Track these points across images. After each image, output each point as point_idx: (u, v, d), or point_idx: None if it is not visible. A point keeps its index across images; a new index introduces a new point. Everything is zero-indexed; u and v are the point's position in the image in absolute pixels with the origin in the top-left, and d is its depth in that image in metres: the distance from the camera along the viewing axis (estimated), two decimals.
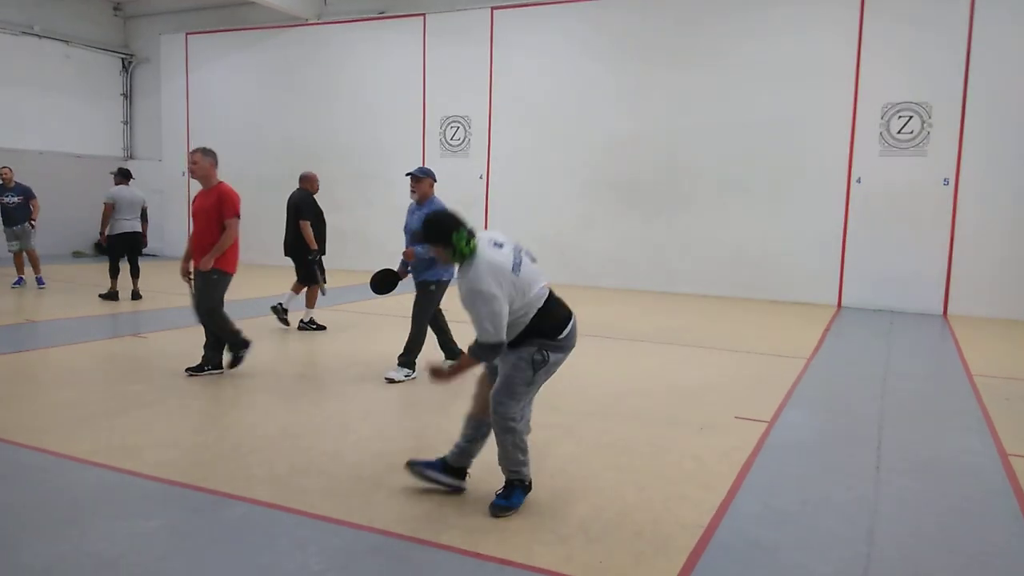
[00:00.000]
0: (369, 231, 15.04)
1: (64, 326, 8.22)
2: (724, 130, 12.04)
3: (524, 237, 14.04)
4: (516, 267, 3.44)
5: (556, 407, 5.33)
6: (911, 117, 10.95)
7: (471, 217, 12.80)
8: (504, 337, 3.39)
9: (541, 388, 3.69)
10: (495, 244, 3.48)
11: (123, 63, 18.10)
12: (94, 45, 17.36)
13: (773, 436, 4.80)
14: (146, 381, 5.88)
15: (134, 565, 2.92)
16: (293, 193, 8.30)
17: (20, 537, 3.13)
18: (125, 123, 18.28)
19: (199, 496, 3.60)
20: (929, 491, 3.95)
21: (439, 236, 3.42)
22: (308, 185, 8.34)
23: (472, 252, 3.40)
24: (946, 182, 10.83)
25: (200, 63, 16.77)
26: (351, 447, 4.43)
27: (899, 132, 11.04)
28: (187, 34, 16.85)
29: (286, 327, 8.35)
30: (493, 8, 13.62)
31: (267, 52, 15.98)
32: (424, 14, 14.26)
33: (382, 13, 14.78)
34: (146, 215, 10.51)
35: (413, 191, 5.99)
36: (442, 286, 6.06)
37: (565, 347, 3.63)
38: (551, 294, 3.62)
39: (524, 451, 3.61)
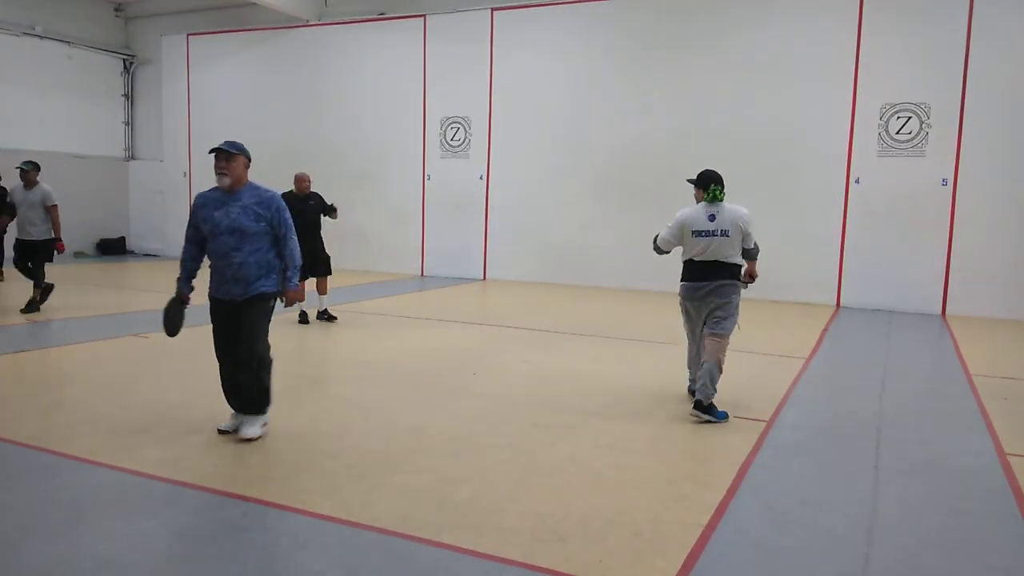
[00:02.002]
0: (369, 231, 15.06)
1: (65, 326, 8.22)
2: (723, 131, 12.05)
3: (524, 237, 14.05)
4: (698, 233, 5.24)
5: (556, 407, 5.34)
6: (910, 118, 10.96)
7: (471, 217, 12.77)
8: (658, 247, 5.56)
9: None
10: (709, 215, 5.24)
11: (124, 64, 18.12)
12: (95, 46, 17.38)
13: (772, 436, 4.81)
14: (147, 380, 5.88)
15: (134, 565, 2.93)
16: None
17: (20, 537, 3.14)
18: (126, 124, 18.30)
19: (199, 496, 3.61)
20: (928, 491, 3.95)
21: (719, 181, 5.30)
22: (295, 185, 8.88)
23: (711, 199, 5.26)
24: (945, 183, 10.84)
25: (201, 64, 16.79)
26: (351, 447, 4.44)
27: (898, 133, 11.05)
28: (188, 35, 16.87)
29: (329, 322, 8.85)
30: (493, 9, 13.64)
31: (268, 53, 15.99)
32: (424, 15, 14.28)
33: (382, 14, 14.80)
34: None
35: (224, 174, 4.33)
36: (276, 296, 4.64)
37: (684, 295, 5.41)
38: (694, 260, 5.30)
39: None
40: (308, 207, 8.77)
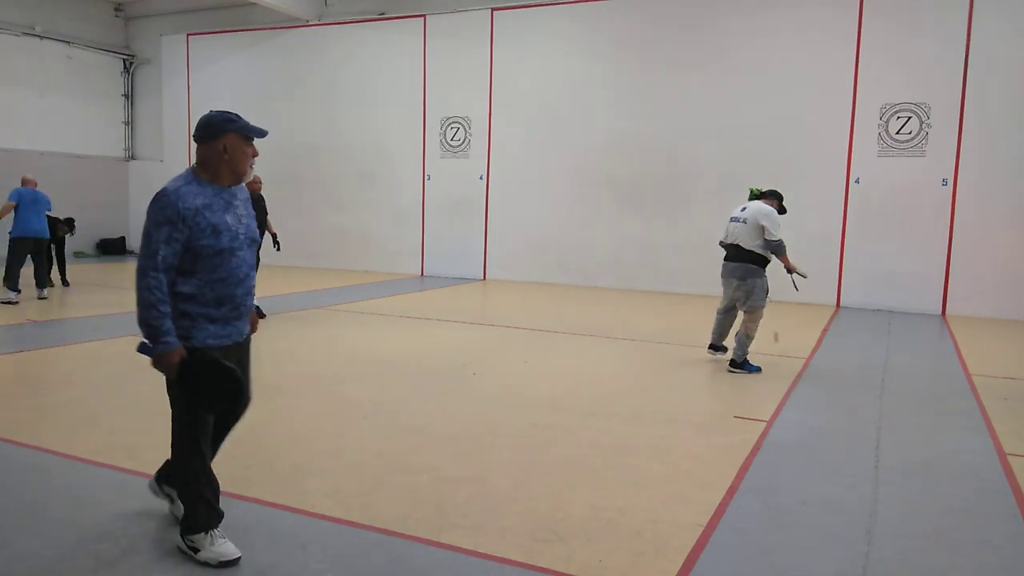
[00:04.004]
0: (370, 231, 15.06)
1: (65, 326, 8.23)
2: (723, 130, 12.06)
3: (524, 237, 14.04)
4: (731, 219, 6.68)
5: (556, 407, 5.35)
6: (910, 118, 10.96)
7: (471, 217, 12.76)
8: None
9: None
10: (741, 207, 6.65)
11: (124, 64, 18.12)
12: (95, 46, 17.39)
13: (772, 436, 4.81)
14: (147, 381, 5.88)
15: (134, 565, 2.93)
16: None
17: (20, 537, 3.14)
18: (126, 124, 18.30)
19: None
20: (928, 491, 3.95)
21: (757, 189, 6.84)
22: (247, 186, 9.00)
23: (750, 198, 6.77)
24: (945, 182, 10.84)
25: (201, 64, 16.79)
26: (351, 446, 4.44)
27: (898, 132, 11.05)
28: (188, 35, 16.88)
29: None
30: (493, 9, 13.64)
31: (268, 53, 16.00)
32: (424, 15, 14.28)
33: (383, 14, 14.80)
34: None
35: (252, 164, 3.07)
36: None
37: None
38: (722, 243, 6.72)
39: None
40: (259, 208, 8.94)
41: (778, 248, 6.49)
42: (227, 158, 2.96)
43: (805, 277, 6.78)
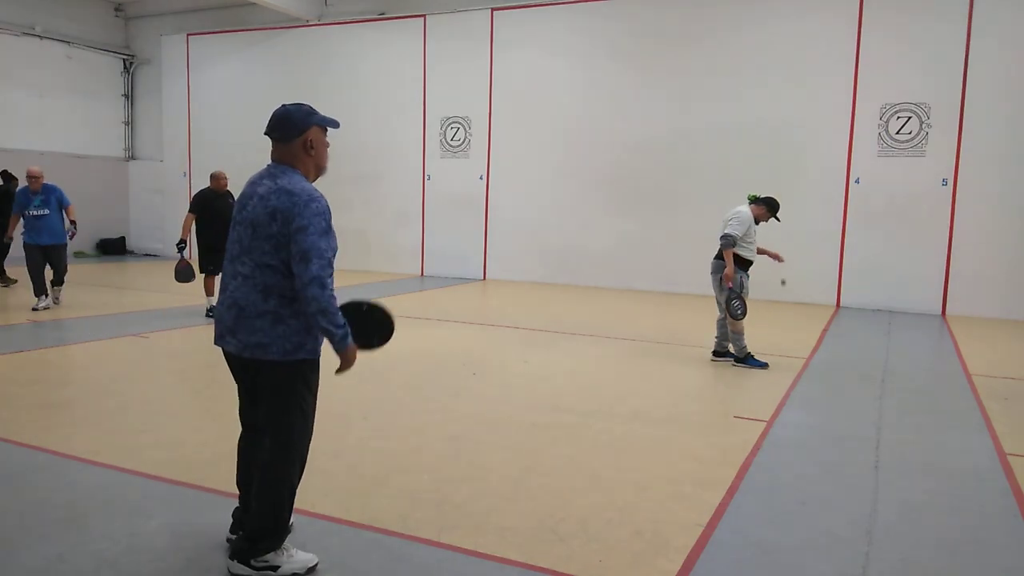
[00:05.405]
0: (370, 231, 15.06)
1: (65, 326, 8.23)
2: (723, 131, 12.06)
3: (524, 237, 14.01)
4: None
5: (556, 407, 5.35)
6: (910, 118, 10.96)
7: (471, 217, 12.71)
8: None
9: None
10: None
11: (124, 64, 18.11)
12: (95, 46, 17.38)
13: (772, 436, 4.81)
14: (147, 380, 5.88)
15: (134, 565, 2.93)
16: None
17: (20, 537, 3.14)
18: (126, 124, 18.29)
19: (199, 496, 3.61)
20: (928, 491, 3.95)
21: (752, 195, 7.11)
22: (211, 183, 8.93)
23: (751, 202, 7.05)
24: (944, 183, 10.84)
25: (201, 64, 16.79)
26: (351, 446, 4.44)
27: (898, 133, 11.05)
28: (188, 35, 16.88)
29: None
30: (493, 9, 13.64)
31: (268, 53, 15.99)
32: (424, 15, 14.28)
33: (383, 14, 14.80)
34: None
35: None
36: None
37: None
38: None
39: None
40: (226, 204, 8.71)
41: (721, 239, 6.79)
42: (313, 153, 2.87)
43: (738, 315, 6.65)
